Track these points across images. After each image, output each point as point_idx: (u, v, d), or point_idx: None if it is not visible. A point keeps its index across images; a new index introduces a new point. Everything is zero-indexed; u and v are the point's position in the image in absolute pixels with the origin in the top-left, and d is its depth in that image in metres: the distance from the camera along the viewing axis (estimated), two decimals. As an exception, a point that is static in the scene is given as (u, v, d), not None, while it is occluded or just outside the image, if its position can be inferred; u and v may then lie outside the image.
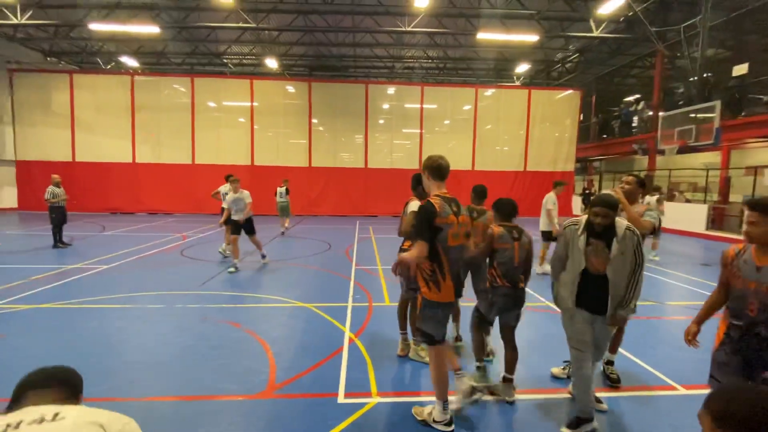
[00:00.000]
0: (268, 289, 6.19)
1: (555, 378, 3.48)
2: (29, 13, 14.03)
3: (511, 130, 18.63)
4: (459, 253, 2.68)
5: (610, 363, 3.50)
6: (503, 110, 18.53)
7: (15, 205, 16.73)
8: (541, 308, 5.44)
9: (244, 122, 17.64)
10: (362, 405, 3.02)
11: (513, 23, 15.27)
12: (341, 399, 3.10)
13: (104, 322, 4.60)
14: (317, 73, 23.15)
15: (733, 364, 2.09)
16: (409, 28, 14.67)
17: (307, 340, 4.25)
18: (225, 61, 21.40)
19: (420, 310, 2.71)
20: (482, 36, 14.61)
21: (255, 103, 17.50)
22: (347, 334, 4.39)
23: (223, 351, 3.91)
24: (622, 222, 2.61)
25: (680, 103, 13.84)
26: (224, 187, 8.99)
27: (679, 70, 13.60)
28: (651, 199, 9.02)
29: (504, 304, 3.13)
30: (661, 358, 3.92)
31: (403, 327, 3.94)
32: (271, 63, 18.71)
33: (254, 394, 3.14)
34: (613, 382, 3.38)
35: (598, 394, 3.24)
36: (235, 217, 7.18)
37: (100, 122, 17.10)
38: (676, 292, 6.61)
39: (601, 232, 2.59)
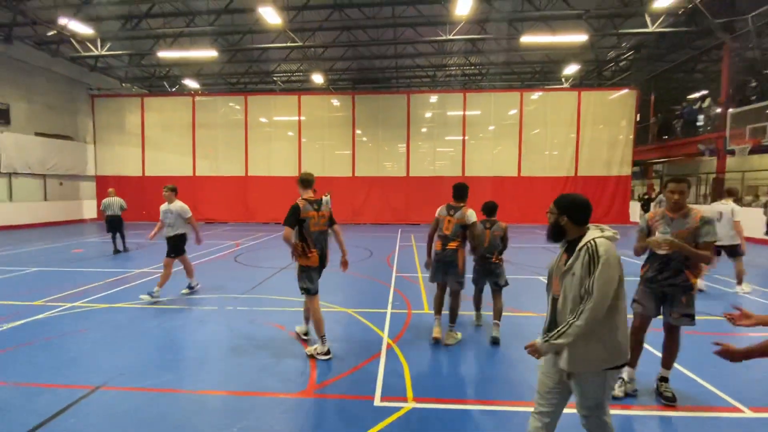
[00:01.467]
0: (311, 294, 6.44)
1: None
2: (108, 45, 15.85)
3: (560, 134, 17.90)
4: (320, 235, 4.02)
5: (664, 380, 3.25)
6: (551, 113, 17.88)
7: (95, 216, 18.76)
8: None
9: (293, 136, 18.54)
10: (398, 409, 3.06)
11: (559, 24, 14.77)
12: (377, 402, 3.17)
13: (164, 322, 5.04)
14: (360, 85, 23.80)
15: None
16: (451, 36, 14.69)
17: (347, 344, 4.37)
18: (275, 79, 22.69)
19: (298, 273, 4.01)
20: (526, 39, 14.28)
21: (302, 118, 18.35)
22: (385, 339, 4.46)
23: (268, 351, 4.14)
24: (593, 233, 1.97)
25: (752, 98, 12.55)
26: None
27: (750, 62, 12.35)
28: None
29: (483, 271, 4.62)
30: (724, 377, 3.58)
31: (438, 312, 4.45)
32: (317, 78, 19.56)
33: (295, 393, 3.30)
34: (667, 401, 3.13)
35: (650, 413, 3.04)
36: (167, 234, 6.11)
37: (166, 140, 18.84)
38: (747, 306, 5.97)
39: (569, 244, 2.07)
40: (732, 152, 12.72)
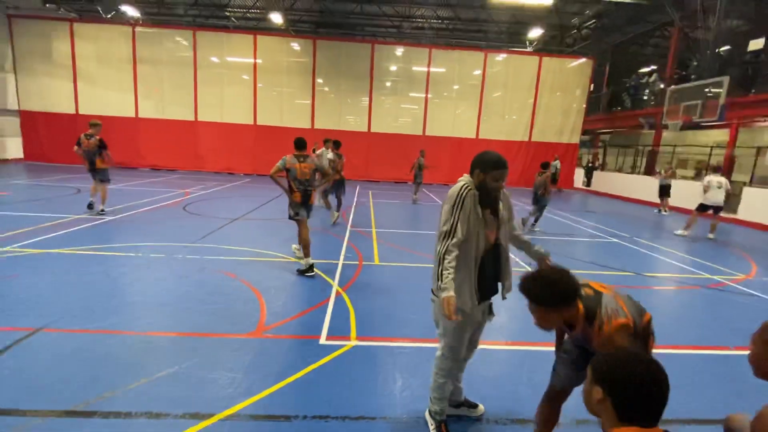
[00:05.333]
0: (265, 244, 6.47)
1: None
2: (26, -45, 13.56)
3: (519, 98, 18.27)
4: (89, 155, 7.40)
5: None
6: (512, 77, 18.09)
7: (21, 155, 16.95)
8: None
9: (248, 79, 17.39)
10: (341, 346, 3.34)
11: (528, -16, 14.58)
12: (323, 341, 3.42)
13: (108, 268, 4.92)
14: (322, 30, 22.42)
15: (574, 354, 2.07)
16: (419, -14, 14.07)
17: (297, 291, 4.56)
18: (228, 14, 20.73)
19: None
20: (494, -4, 14.03)
21: (258, 60, 17.19)
22: (335, 287, 4.69)
23: (218, 297, 4.22)
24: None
25: (692, 77, 13.45)
26: (322, 150, 9.03)
27: (696, 41, 13.07)
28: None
29: (304, 196, 5.19)
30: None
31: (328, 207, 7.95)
32: (276, 18, 18.13)
33: (245, 334, 3.46)
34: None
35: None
36: None
37: (102, 74, 16.96)
38: (656, 264, 6.84)
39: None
40: (666, 127, 13.75)
